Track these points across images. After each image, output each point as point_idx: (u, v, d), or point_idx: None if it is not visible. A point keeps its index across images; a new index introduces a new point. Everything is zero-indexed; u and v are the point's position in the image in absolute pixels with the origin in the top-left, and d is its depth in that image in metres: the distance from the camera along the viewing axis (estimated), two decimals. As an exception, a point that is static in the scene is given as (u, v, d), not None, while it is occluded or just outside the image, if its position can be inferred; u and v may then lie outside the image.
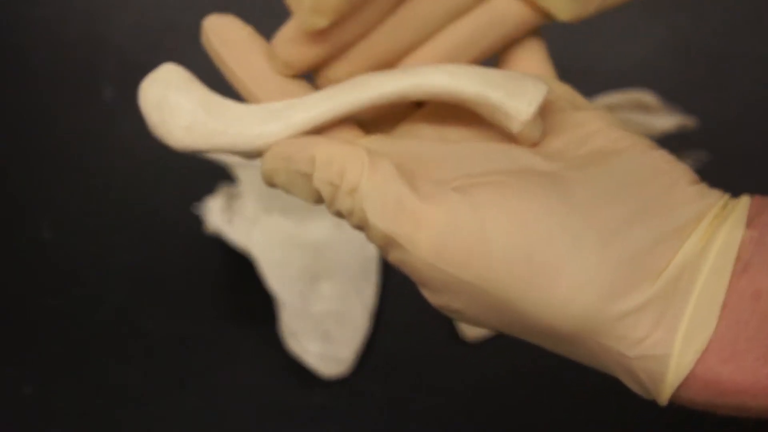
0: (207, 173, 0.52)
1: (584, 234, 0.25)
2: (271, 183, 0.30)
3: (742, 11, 0.63)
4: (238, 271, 0.49)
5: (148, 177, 0.55)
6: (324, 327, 0.46)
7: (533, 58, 0.33)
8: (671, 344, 0.24)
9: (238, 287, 0.49)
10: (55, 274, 0.51)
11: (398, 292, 0.49)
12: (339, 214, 0.28)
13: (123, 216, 0.53)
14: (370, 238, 0.27)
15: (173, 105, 0.29)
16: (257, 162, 0.47)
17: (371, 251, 0.50)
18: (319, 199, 0.28)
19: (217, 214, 0.47)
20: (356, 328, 0.47)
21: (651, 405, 0.44)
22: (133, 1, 0.65)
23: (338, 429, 0.44)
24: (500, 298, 0.25)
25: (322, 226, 0.49)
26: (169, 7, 0.65)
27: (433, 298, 0.27)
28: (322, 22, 0.28)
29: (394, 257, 0.27)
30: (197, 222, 0.50)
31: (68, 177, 0.55)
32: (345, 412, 0.45)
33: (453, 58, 0.31)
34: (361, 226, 0.27)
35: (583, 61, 0.60)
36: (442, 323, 0.48)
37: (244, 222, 0.48)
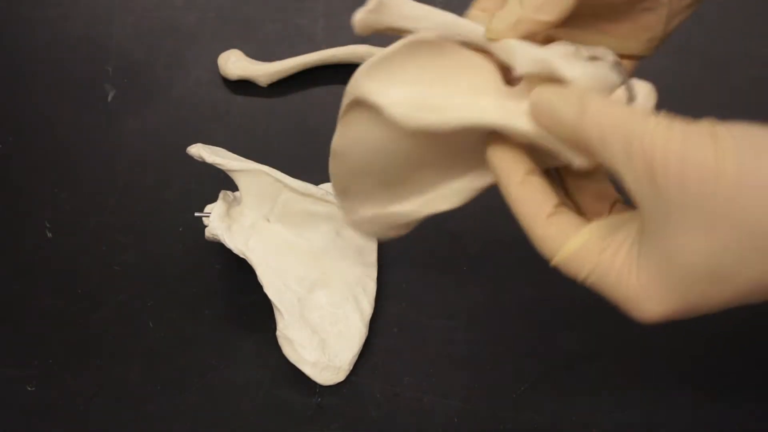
0: (207, 179, 0.52)
1: None
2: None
3: (739, 12, 0.64)
4: (238, 273, 0.49)
5: (149, 177, 0.55)
6: (320, 336, 0.46)
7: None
8: None
9: (238, 289, 0.49)
10: (55, 274, 0.51)
11: (398, 292, 0.49)
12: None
13: (123, 216, 0.53)
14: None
15: None
16: (256, 168, 0.46)
17: (369, 259, 0.49)
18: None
19: (216, 221, 0.47)
20: (353, 337, 0.47)
21: (651, 399, 0.45)
22: (134, 2, 0.65)
23: (337, 428, 0.44)
24: None
25: (319, 235, 0.49)
26: (169, 7, 0.65)
27: None
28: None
29: None
30: (197, 224, 0.50)
31: (68, 177, 0.55)
32: (344, 412, 0.45)
33: None
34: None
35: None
36: (441, 323, 0.48)
37: (242, 229, 0.47)
